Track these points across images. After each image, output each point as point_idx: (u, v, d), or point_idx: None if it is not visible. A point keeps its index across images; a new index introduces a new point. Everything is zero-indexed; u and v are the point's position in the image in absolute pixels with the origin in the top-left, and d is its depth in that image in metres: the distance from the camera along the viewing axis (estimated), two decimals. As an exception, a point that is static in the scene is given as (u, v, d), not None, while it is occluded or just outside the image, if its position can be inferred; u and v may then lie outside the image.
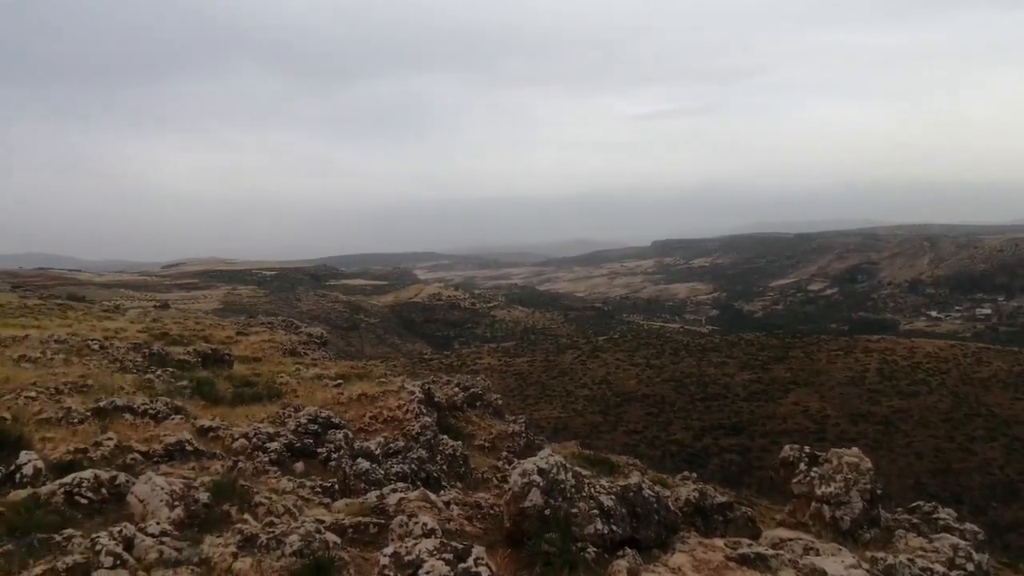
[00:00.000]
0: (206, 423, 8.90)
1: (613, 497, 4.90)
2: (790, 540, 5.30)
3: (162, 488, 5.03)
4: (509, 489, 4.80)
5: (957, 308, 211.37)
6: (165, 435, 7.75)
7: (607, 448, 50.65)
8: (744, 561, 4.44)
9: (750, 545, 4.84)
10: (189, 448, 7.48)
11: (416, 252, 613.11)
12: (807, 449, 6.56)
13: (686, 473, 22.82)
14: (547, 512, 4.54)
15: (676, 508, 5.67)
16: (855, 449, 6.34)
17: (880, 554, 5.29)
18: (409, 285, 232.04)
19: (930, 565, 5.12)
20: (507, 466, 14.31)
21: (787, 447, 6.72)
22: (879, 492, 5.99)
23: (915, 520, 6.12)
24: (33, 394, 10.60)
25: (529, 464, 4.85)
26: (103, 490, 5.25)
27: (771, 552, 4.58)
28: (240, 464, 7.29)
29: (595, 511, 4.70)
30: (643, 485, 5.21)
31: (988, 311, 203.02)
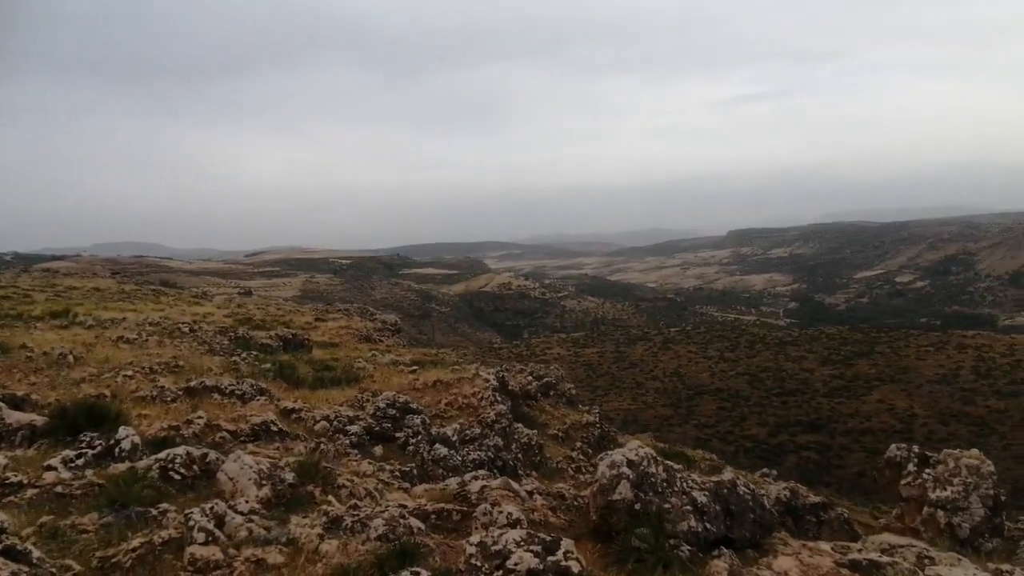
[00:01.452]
0: (289, 405, 9.10)
1: (707, 493, 4.61)
2: (901, 547, 4.86)
3: (250, 467, 5.11)
4: (596, 480, 4.59)
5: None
6: (251, 415, 7.95)
7: (679, 442, 49.66)
8: (856, 568, 4.07)
9: (860, 551, 4.45)
10: (274, 429, 7.65)
11: (487, 241, 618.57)
12: (916, 449, 6.03)
13: (765, 470, 22.01)
14: (637, 506, 4.30)
15: (770, 507, 5.30)
16: (975, 451, 5.76)
17: (1005, 567, 4.78)
18: (479, 274, 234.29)
19: (1065, 582, 4.57)
20: (582, 457, 14.08)
21: (893, 446, 6.20)
22: (1003, 499, 5.42)
23: (1044, 532, 5.51)
24: (130, 373, 11.17)
25: (618, 455, 4.62)
26: (195, 466, 5.38)
27: (886, 559, 4.18)
28: (322, 446, 7.39)
29: (688, 507, 4.42)
30: (737, 482, 4.89)
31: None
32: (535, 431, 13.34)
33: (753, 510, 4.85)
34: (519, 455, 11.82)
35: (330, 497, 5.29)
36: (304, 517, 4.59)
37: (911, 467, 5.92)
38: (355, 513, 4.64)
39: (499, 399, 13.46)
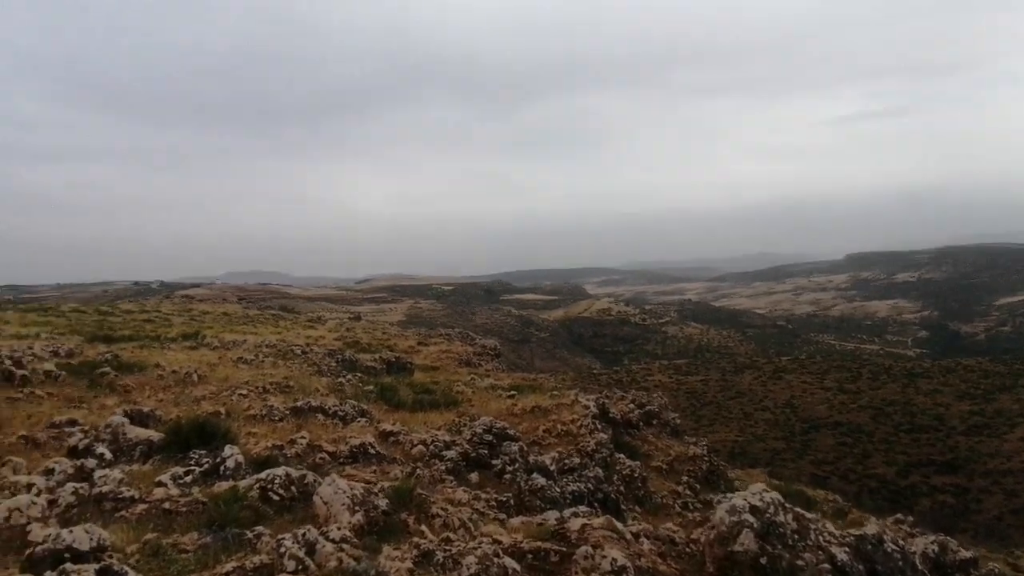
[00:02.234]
0: (388, 427, 9.11)
1: (847, 550, 3.98)
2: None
3: (344, 492, 5.01)
4: (713, 527, 4.09)
5: None
6: (351, 437, 7.99)
7: (793, 478, 46.45)
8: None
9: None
10: (371, 451, 7.63)
11: (586, 267, 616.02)
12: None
13: (899, 516, 19.88)
14: (763, 560, 3.76)
15: (922, 566, 4.56)
16: None
17: None
18: (579, 300, 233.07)
19: None
20: (689, 492, 13.25)
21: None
22: None
23: None
24: (245, 392, 11.70)
25: (739, 500, 4.10)
26: (293, 488, 5.37)
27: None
28: (418, 471, 7.27)
29: (825, 565, 3.82)
30: (884, 537, 4.21)
31: None
32: (638, 462, 12.70)
33: (903, 571, 4.15)
34: (621, 487, 11.25)
35: (423, 527, 5.10)
36: (395, 548, 4.40)
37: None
38: (447, 548, 4.40)
39: (599, 427, 12.94)
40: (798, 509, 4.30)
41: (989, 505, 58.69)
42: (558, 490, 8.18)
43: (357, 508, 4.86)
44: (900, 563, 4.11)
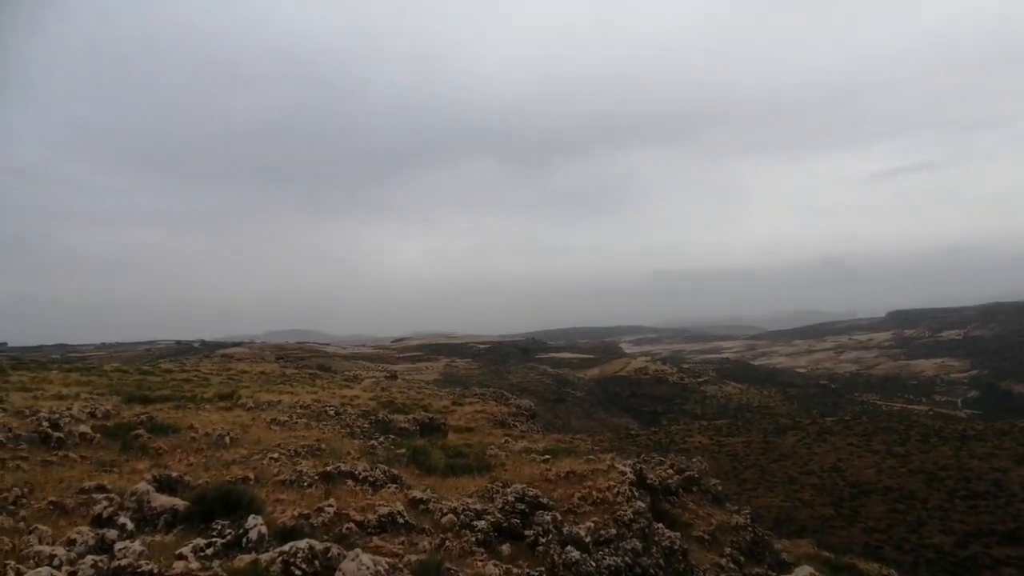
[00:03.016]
0: (418, 495, 8.90)
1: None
2: None
3: (367, 567, 4.84)
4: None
5: None
6: (380, 505, 7.80)
7: (843, 547, 44.00)
8: None
9: None
10: (400, 521, 7.42)
11: (622, 326, 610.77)
12: None
13: (961, 593, 18.58)
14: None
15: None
16: None
17: None
18: (615, 359, 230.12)
19: None
20: (733, 565, 12.56)
21: None
22: None
23: None
24: (276, 455, 11.63)
25: (783, 584, 3.81)
26: (316, 562, 5.20)
27: None
28: (447, 542, 7.02)
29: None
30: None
31: None
32: (677, 533, 12.14)
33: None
34: (660, 560, 10.71)
35: (450, 606, 4.86)
36: (420, 631, 4.20)
37: None
38: (474, 632, 4.18)
39: (637, 494, 12.47)
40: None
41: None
42: (593, 564, 7.81)
43: (381, 585, 4.69)
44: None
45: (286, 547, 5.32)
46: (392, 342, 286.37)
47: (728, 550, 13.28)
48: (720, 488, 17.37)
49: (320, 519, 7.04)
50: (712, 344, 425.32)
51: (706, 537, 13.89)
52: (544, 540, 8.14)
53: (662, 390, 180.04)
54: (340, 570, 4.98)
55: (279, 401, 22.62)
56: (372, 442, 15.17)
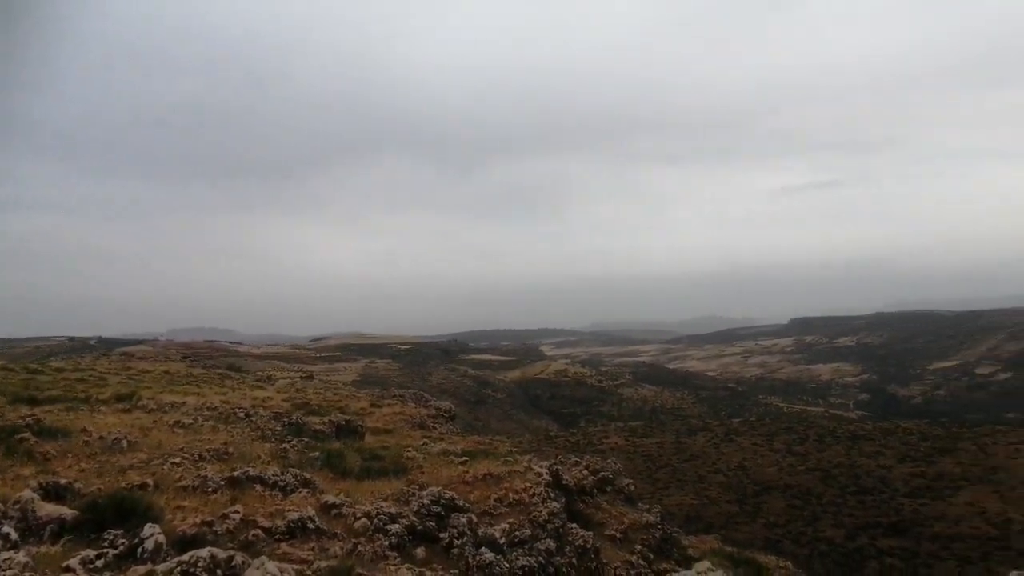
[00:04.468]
0: (331, 499, 8.68)
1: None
2: None
3: (274, 576, 4.68)
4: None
5: None
6: (289, 510, 7.56)
7: (746, 542, 46.21)
8: None
9: None
10: (311, 526, 7.21)
11: (544, 329, 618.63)
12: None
13: (849, 583, 19.94)
14: (710, 645, 3.64)
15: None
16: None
17: None
18: (535, 361, 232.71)
19: None
20: (642, 562, 12.96)
21: (1014, 573, 5.26)
22: None
23: None
24: (178, 460, 11.05)
25: (685, 580, 3.98)
26: (219, 571, 4.99)
27: None
28: (359, 547, 6.88)
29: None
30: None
31: None
32: (591, 532, 12.41)
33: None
34: (573, 559, 10.93)
35: (360, 612, 4.77)
36: (327, 639, 4.09)
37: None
38: (384, 637, 4.12)
39: (552, 495, 12.66)
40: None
41: (940, 572, 59.22)
42: (507, 565, 7.87)
43: (288, 593, 4.54)
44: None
45: (185, 556, 5.07)
46: (310, 342, 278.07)
47: (638, 548, 13.70)
48: (633, 488, 17.88)
49: (225, 526, 6.74)
50: (630, 348, 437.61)
51: (618, 536, 14.26)
52: (459, 542, 8.13)
53: (581, 392, 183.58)
54: (244, 579, 4.79)
55: (184, 402, 21.51)
56: (284, 445, 14.68)
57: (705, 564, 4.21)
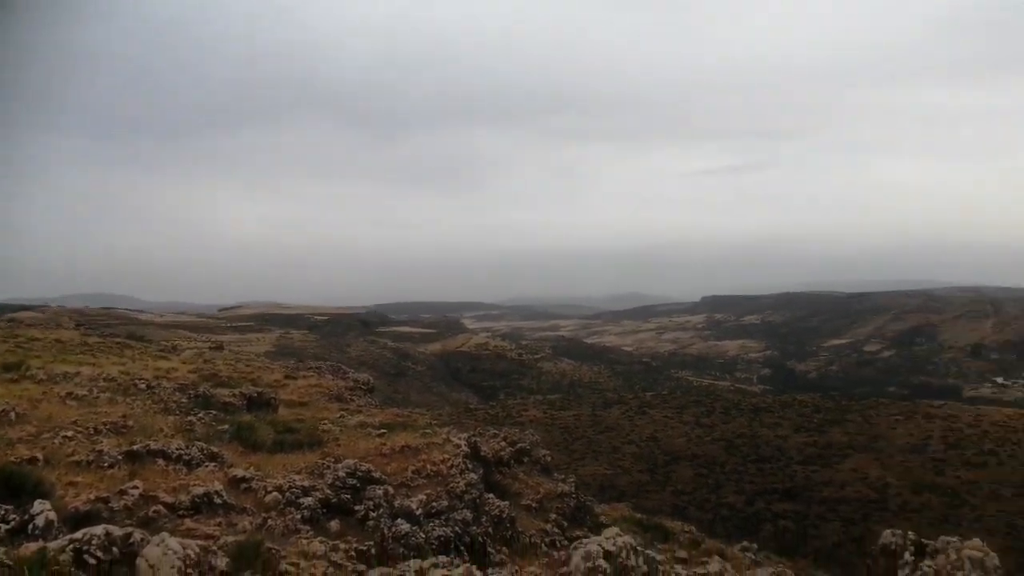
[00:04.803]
0: (240, 473, 8.40)
1: (693, 590, 4.12)
2: (905, 651, 4.37)
3: (175, 552, 4.48)
4: (569, 573, 4.07)
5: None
6: (194, 485, 7.26)
7: (655, 509, 48.47)
8: None
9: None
10: (218, 501, 6.96)
11: (465, 302, 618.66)
12: (912, 536, 5.60)
13: (745, 544, 21.25)
14: (616, 607, 3.79)
15: (761, 601, 4.80)
16: (976, 540, 5.35)
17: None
18: (457, 334, 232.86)
19: None
20: (557, 530, 13.33)
21: (887, 532, 5.76)
22: (1012, 596, 4.98)
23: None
24: (71, 433, 10.38)
25: (594, 546, 4.12)
26: (114, 549, 4.73)
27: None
28: (270, 521, 6.71)
29: (674, 608, 3.93)
30: (724, 574, 4.40)
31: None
32: (507, 502, 12.64)
33: (743, 607, 4.36)
34: (489, 529, 11.10)
35: (269, 587, 4.66)
36: (233, 615, 3.97)
37: (907, 556, 5.48)
38: (293, 611, 4.04)
39: (470, 467, 12.78)
40: (649, 552, 4.40)
41: (827, 532, 64.30)
42: (423, 536, 7.89)
43: (190, 571, 4.35)
44: (744, 602, 4.30)
45: (78, 534, 4.77)
46: (219, 311, 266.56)
47: (553, 516, 14.08)
48: (550, 459, 18.31)
49: (123, 502, 6.40)
50: (550, 322, 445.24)
51: (534, 505, 14.60)
52: (375, 514, 8.08)
53: (501, 366, 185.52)
54: (143, 556, 4.56)
55: (78, 373, 20.19)
56: (190, 418, 14.08)
57: (613, 530, 4.38)
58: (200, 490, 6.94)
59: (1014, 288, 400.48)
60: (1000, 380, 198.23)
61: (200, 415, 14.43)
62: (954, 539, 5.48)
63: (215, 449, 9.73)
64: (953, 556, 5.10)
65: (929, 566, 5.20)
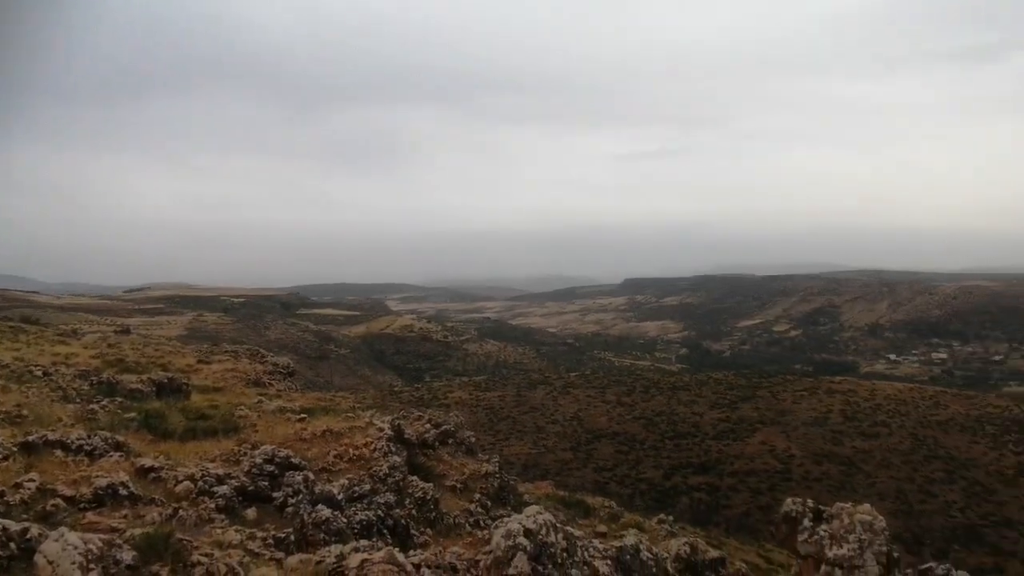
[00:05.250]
0: (148, 462, 8.01)
1: (609, 562, 4.27)
2: (802, 610, 4.71)
3: (75, 547, 4.23)
4: (490, 552, 4.13)
5: (914, 352, 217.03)
6: (97, 476, 6.87)
7: (578, 486, 49.78)
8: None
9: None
10: (124, 492, 6.61)
11: (390, 283, 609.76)
12: (811, 503, 6.02)
13: (662, 516, 22.19)
14: (535, 582, 3.88)
15: (672, 569, 5.04)
16: (866, 505, 5.81)
17: (901, 626, 4.73)
18: (381, 316, 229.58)
19: (958, 641, 4.56)
20: (481, 509, 13.47)
21: (789, 501, 6.17)
22: (896, 556, 5.45)
23: (931, 585, 5.59)
24: (-43, 425, 9.61)
25: (514, 524, 4.19)
26: (12, 545, 4.42)
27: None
28: (181, 512, 6.45)
29: (591, 580, 4.07)
30: (640, 547, 4.59)
31: (944, 355, 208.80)
32: (431, 484, 12.65)
33: (656, 575, 4.57)
34: (413, 511, 11.10)
35: (180, 579, 4.48)
36: (140, 611, 3.80)
37: (807, 522, 5.88)
38: (205, 603, 3.91)
39: (394, 449, 12.70)
40: (568, 528, 4.52)
41: (737, 501, 68.05)
42: (344, 521, 7.79)
43: (92, 566, 4.12)
44: (653, 569, 4.51)
45: (-34, 532, 4.44)
46: (124, 293, 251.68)
47: (478, 496, 14.22)
48: (474, 440, 18.41)
49: (19, 496, 5.98)
50: (476, 304, 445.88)
51: (458, 486, 14.69)
52: (294, 501, 7.91)
53: (427, 348, 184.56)
54: (41, 552, 4.29)
55: (-35, 360, 18.70)
56: (93, 406, 13.28)
57: (534, 508, 4.48)
58: (104, 481, 6.57)
59: (909, 271, 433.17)
60: (893, 357, 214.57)
61: (104, 403, 13.64)
62: (848, 505, 5.92)
63: (120, 438, 9.23)
64: (846, 520, 5.52)
65: (825, 530, 5.60)
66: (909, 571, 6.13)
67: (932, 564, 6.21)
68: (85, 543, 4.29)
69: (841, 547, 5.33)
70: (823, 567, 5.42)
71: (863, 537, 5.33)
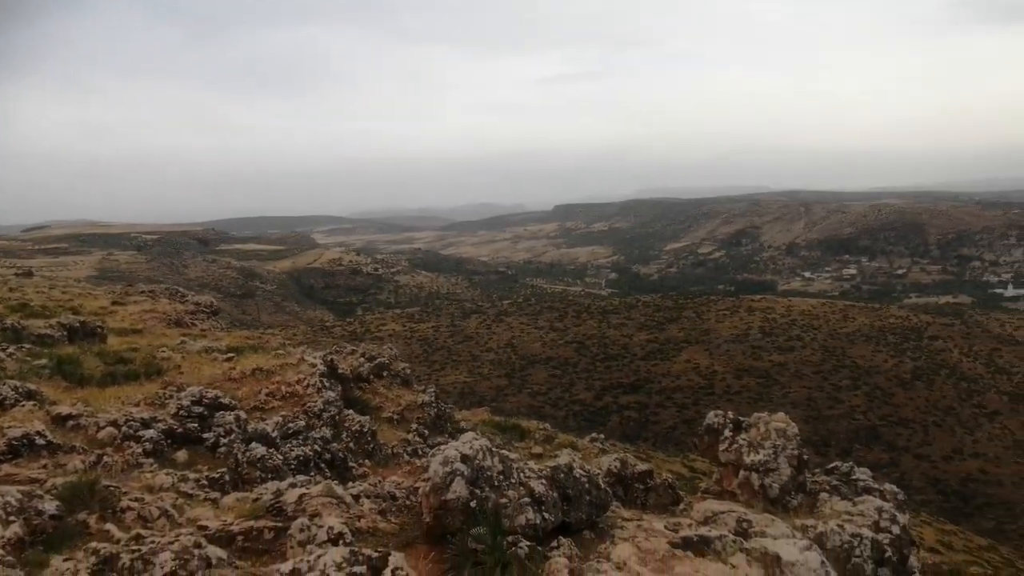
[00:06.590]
0: (65, 410, 7.65)
1: (544, 481, 4.43)
2: (722, 512, 5.08)
3: (-9, 502, 4.04)
4: (428, 479, 4.21)
5: (827, 269, 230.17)
6: (10, 427, 6.52)
7: (513, 411, 51.35)
8: (689, 546, 4.10)
9: (691, 526, 4.53)
10: (40, 442, 6.32)
11: (315, 216, 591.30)
12: (731, 415, 6.42)
13: (594, 435, 23.27)
14: (473, 504, 3.99)
15: (604, 484, 5.30)
16: (781, 414, 6.24)
17: (809, 521, 5.18)
18: (308, 250, 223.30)
19: (858, 530, 5.05)
20: (418, 439, 13.69)
21: (711, 414, 6.55)
22: (805, 458, 5.91)
23: (835, 482, 6.12)
24: None
25: (451, 450, 4.27)
26: (-85, 506, 4.17)
27: (714, 534, 4.28)
28: (106, 459, 6.24)
29: (526, 499, 4.21)
30: (573, 465, 4.78)
31: (853, 271, 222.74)
32: (368, 417, 12.71)
33: (589, 491, 4.79)
34: (351, 444, 11.16)
35: (109, 526, 4.36)
36: (67, 559, 3.69)
37: (727, 433, 6.28)
38: (136, 547, 3.82)
39: (328, 385, 12.62)
40: (504, 451, 4.64)
41: (664, 417, 72.01)
42: (280, 458, 7.76)
43: (13, 518, 3.94)
44: (587, 484, 4.71)
45: None
46: (23, 232, 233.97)
47: (415, 426, 14.42)
48: (410, 371, 18.51)
49: (-81, 455, 5.62)
50: (405, 235, 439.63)
51: (395, 417, 14.83)
52: (227, 440, 7.79)
53: (357, 281, 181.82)
54: (-51, 511, 4.07)
55: None
56: (-1, 355, 12.50)
57: (470, 435, 4.57)
58: (18, 432, 6.25)
59: (826, 191, 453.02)
60: (807, 274, 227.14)
61: (10, 350, 12.85)
62: (764, 414, 6.33)
63: (32, 387, 8.75)
64: (763, 429, 5.92)
65: (744, 439, 6.00)
66: (817, 471, 6.69)
67: (837, 463, 6.79)
68: (3, 496, 4.09)
69: (758, 453, 5.74)
70: (741, 472, 5.83)
71: (777, 443, 5.75)
